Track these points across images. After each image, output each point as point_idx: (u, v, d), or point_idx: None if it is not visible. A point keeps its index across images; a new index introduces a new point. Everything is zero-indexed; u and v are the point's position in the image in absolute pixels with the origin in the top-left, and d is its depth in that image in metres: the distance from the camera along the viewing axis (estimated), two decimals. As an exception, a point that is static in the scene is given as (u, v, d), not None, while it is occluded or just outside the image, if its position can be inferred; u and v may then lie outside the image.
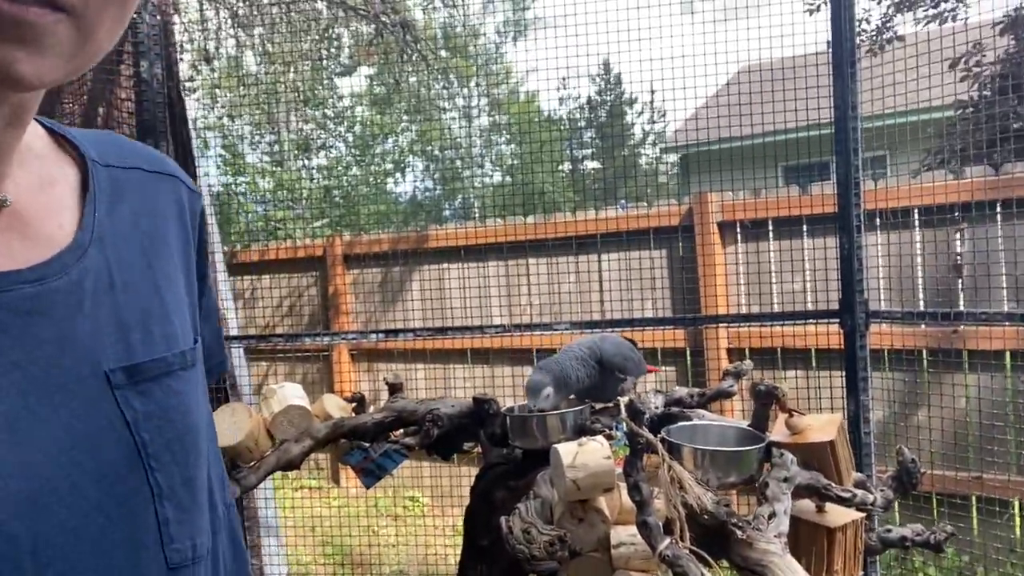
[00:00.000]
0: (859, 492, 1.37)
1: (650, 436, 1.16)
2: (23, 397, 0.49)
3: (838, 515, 1.41)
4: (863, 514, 1.41)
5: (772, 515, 1.33)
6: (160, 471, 0.57)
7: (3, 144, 0.54)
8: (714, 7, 2.97)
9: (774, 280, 3.37)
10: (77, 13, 0.46)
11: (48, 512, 0.49)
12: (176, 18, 4.32)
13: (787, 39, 2.57)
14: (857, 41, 2.56)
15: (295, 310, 4.82)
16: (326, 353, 4.56)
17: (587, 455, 1.24)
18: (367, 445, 1.59)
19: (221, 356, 0.83)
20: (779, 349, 3.28)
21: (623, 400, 1.32)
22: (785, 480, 1.38)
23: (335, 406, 1.59)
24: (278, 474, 4.91)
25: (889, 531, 1.56)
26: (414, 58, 4.88)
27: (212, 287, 0.79)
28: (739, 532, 1.26)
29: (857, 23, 3.85)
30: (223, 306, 2.71)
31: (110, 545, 0.53)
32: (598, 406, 1.64)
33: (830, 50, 2.41)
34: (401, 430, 1.63)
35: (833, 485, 1.38)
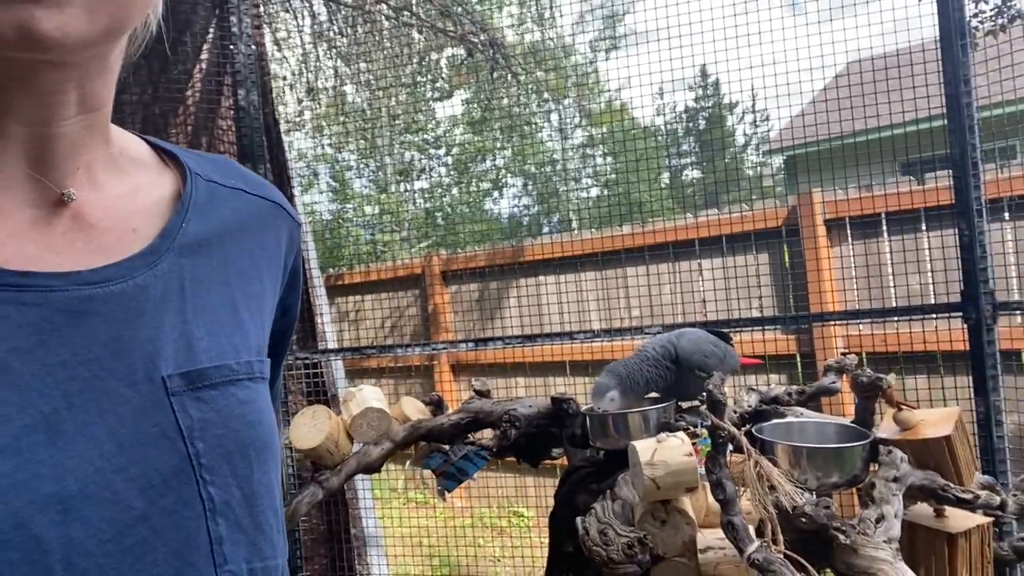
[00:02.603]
0: (983, 493, 1.23)
1: (732, 429, 1.08)
2: (67, 399, 0.48)
3: (960, 520, 1.27)
4: (990, 519, 1.26)
5: (880, 518, 1.21)
6: (215, 484, 0.53)
7: (76, 134, 0.53)
8: (817, 7, 2.83)
9: (889, 277, 3.13)
10: None
11: (82, 519, 0.47)
12: (273, 49, 4.56)
13: (899, 32, 2.43)
14: (974, 22, 2.35)
15: (398, 327, 4.93)
16: (428, 366, 4.63)
17: (666, 452, 1.17)
18: (446, 448, 1.57)
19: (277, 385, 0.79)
20: (900, 352, 3.03)
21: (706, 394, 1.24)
22: (895, 480, 1.25)
23: (413, 409, 1.59)
24: (384, 487, 5.00)
25: (1024, 540, 1.39)
26: (507, 77, 4.93)
27: (295, 319, 0.76)
28: (842, 537, 1.15)
29: (973, 3, 3.57)
30: (319, 321, 2.79)
31: (153, 560, 0.49)
32: (685, 405, 1.56)
33: (937, 24, 2.23)
34: (485, 432, 1.61)
35: (951, 486, 1.24)
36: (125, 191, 0.57)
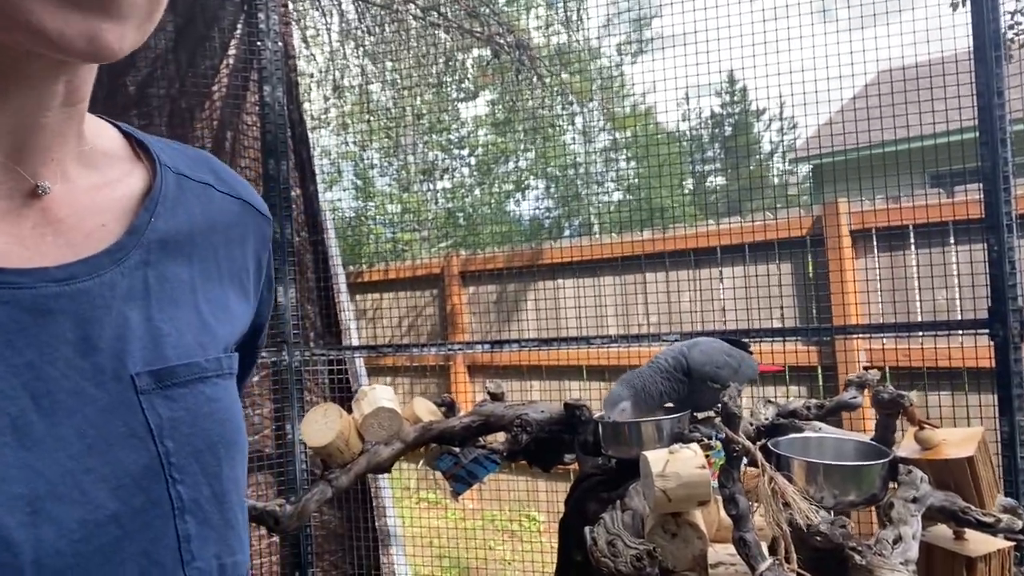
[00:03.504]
0: (1005, 517, 1.19)
1: (747, 443, 1.06)
2: (34, 400, 0.48)
3: (980, 543, 1.23)
4: (1011, 544, 1.22)
5: (898, 539, 1.18)
6: (184, 483, 0.53)
7: (56, 126, 0.53)
8: (849, 15, 2.79)
9: (915, 291, 3.07)
10: None
11: (52, 520, 0.47)
12: (301, 46, 4.58)
13: (932, 41, 2.38)
14: (1009, 34, 2.30)
15: (416, 326, 4.94)
16: (444, 366, 4.63)
17: (679, 464, 1.15)
18: (457, 451, 1.56)
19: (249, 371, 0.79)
20: (923, 368, 2.97)
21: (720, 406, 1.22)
22: (914, 501, 1.22)
23: (425, 410, 1.58)
24: (398, 486, 5.00)
25: (1047, 567, 1.35)
26: (533, 79, 4.92)
27: (266, 318, 0.76)
28: (858, 557, 1.12)
29: (1009, 15, 3.50)
30: (342, 318, 2.81)
31: (121, 559, 0.50)
32: (700, 416, 1.53)
33: (971, 34, 2.19)
34: (498, 435, 1.59)
35: (972, 508, 1.20)
36: (95, 185, 0.57)
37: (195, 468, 0.54)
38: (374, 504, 2.87)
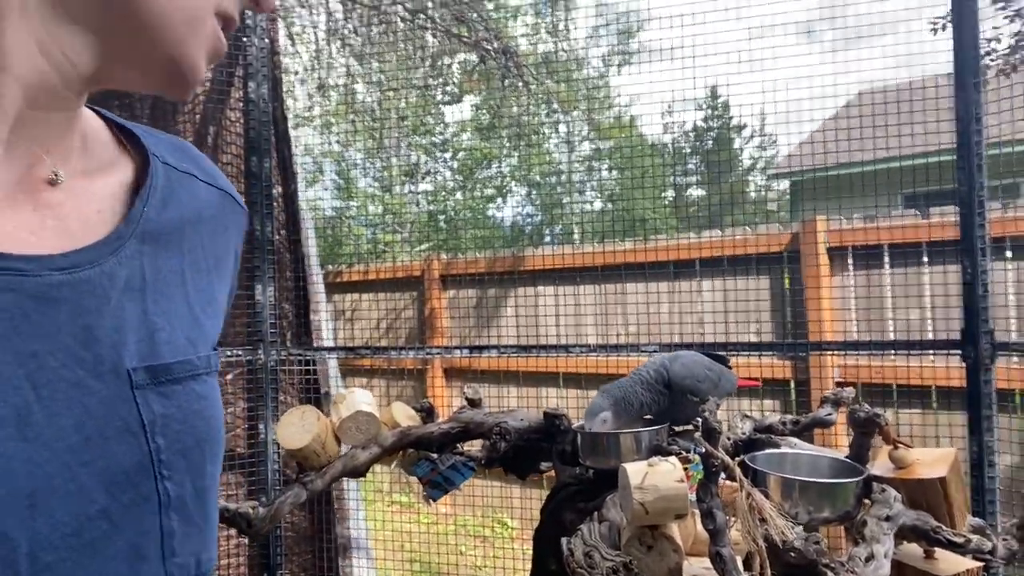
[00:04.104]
0: (974, 538, 1.21)
1: (726, 458, 1.07)
2: (36, 390, 0.47)
3: (950, 563, 1.25)
4: (979, 564, 1.24)
5: (870, 557, 1.19)
6: (171, 479, 0.54)
7: (70, 120, 0.54)
8: (833, 36, 2.83)
9: (889, 310, 3.12)
10: None
11: (48, 514, 0.46)
12: (287, 43, 4.55)
13: (912, 65, 2.43)
14: (986, 60, 2.35)
15: (393, 329, 4.91)
16: (421, 369, 4.61)
17: (657, 476, 1.15)
18: (435, 457, 1.55)
19: None
20: (894, 385, 3.02)
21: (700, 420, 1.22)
22: (887, 519, 1.24)
23: (403, 415, 1.57)
24: (369, 488, 4.96)
25: (1013, 587, 1.37)
26: (518, 85, 4.93)
27: (229, 307, 0.78)
28: (831, 574, 1.13)
29: (986, 41, 3.57)
30: (315, 319, 2.78)
31: (110, 554, 0.50)
32: (678, 428, 1.54)
33: (952, 59, 2.23)
34: (474, 442, 1.59)
35: (943, 528, 1.22)
36: (87, 171, 0.56)
37: (182, 465, 0.55)
38: (336, 508, 2.85)
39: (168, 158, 0.62)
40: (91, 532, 0.49)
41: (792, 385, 3.58)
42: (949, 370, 2.39)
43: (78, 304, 0.50)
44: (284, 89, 2.80)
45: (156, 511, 0.53)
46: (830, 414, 1.59)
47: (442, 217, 8.23)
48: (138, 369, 0.53)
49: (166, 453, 0.53)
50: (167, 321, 0.56)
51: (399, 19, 4.44)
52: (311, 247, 2.91)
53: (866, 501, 1.29)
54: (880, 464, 1.36)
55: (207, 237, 0.64)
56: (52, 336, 0.49)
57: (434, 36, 4.91)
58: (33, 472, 0.46)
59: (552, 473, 1.74)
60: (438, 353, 2.67)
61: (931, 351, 2.36)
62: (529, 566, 3.67)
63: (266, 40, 2.65)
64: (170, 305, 0.57)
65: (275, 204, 2.72)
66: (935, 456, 1.34)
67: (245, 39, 2.57)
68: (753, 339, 3.36)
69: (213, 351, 0.61)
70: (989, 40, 3.73)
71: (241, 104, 2.69)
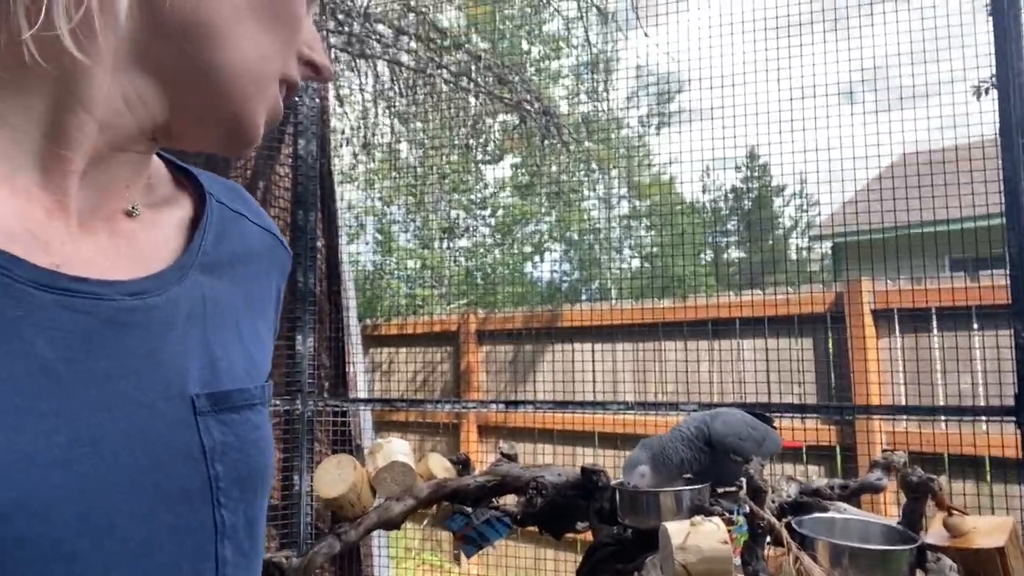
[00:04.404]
0: (1039, 614, 1.14)
1: (773, 519, 1.03)
2: (109, 411, 0.48)
3: (1011, 641, 1.18)
4: (1045, 643, 1.17)
5: (926, 631, 1.13)
6: (227, 507, 0.54)
7: (146, 158, 0.57)
8: (878, 97, 2.84)
9: (938, 374, 3.02)
10: None
11: (120, 535, 0.47)
12: (335, 104, 4.71)
13: (957, 123, 2.41)
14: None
15: (429, 383, 4.91)
16: (456, 423, 4.58)
17: (700, 537, 1.12)
18: (469, 511, 1.53)
19: None
20: (945, 454, 2.90)
21: (745, 480, 1.19)
22: (942, 591, 1.18)
23: (439, 466, 1.55)
24: (399, 545, 4.89)
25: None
26: (557, 145, 5.01)
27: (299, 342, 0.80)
28: (884, 647, 1.08)
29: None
30: (351, 370, 2.80)
31: None
32: (721, 490, 1.49)
33: (997, 120, 2.21)
34: (507, 497, 1.56)
35: (1004, 602, 1.16)
36: (154, 203, 0.59)
37: (237, 494, 0.55)
38: (363, 565, 2.80)
39: (223, 198, 0.65)
40: (158, 556, 0.49)
41: (837, 450, 3.47)
42: (1003, 438, 2.29)
43: (147, 329, 0.52)
44: (332, 147, 2.89)
45: (212, 538, 0.53)
46: (880, 478, 1.53)
47: (479, 273, 8.30)
48: (200, 395, 0.54)
49: (224, 481, 0.54)
50: (224, 351, 0.58)
51: (442, 81, 4.58)
52: (351, 299, 2.95)
53: (920, 571, 1.23)
54: (934, 532, 1.30)
55: (254, 276, 0.66)
56: (123, 359, 0.50)
57: (476, 98, 5.05)
58: (108, 492, 0.47)
59: (586, 536, 1.69)
60: (474, 407, 2.65)
61: (984, 417, 2.28)
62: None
63: (316, 100, 2.75)
64: (226, 335, 0.59)
65: (318, 257, 2.77)
66: (992, 524, 1.28)
67: (297, 98, 2.68)
68: (795, 401, 3.27)
69: (267, 382, 0.62)
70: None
71: (290, 160, 2.78)
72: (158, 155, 0.65)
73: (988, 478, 2.77)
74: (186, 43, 0.53)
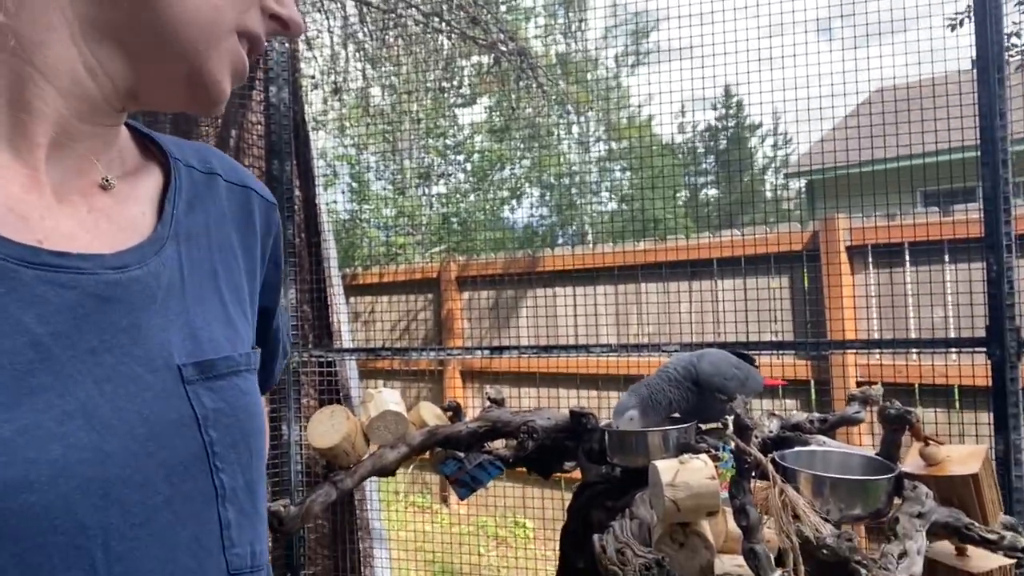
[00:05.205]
0: (1008, 535, 1.20)
1: (759, 455, 1.07)
2: (97, 384, 0.49)
3: (982, 560, 1.24)
4: (1012, 561, 1.23)
5: (903, 554, 1.19)
6: (225, 472, 0.56)
7: (116, 129, 0.57)
8: (854, 32, 2.81)
9: (911, 308, 3.10)
10: None
11: (120, 504, 0.48)
12: (303, 48, 4.58)
13: (930, 58, 2.40)
14: (1007, 56, 2.34)
15: (410, 331, 4.93)
16: (439, 370, 4.62)
17: (689, 474, 1.16)
18: (462, 456, 1.56)
19: (287, 349, 0.84)
20: (917, 385, 2.99)
21: (730, 418, 1.22)
22: (919, 516, 1.23)
23: (431, 414, 1.58)
24: (388, 490, 4.98)
25: (1046, 584, 1.36)
26: (532, 87, 4.94)
27: (281, 294, 0.80)
28: (864, 571, 1.13)
29: (1007, 35, 3.54)
30: (335, 320, 2.79)
31: (175, 544, 0.52)
32: (705, 427, 1.54)
33: (974, 55, 2.22)
34: (496, 442, 1.59)
35: (976, 524, 1.22)
36: (126, 176, 0.59)
37: (232, 458, 0.56)
38: (357, 509, 2.85)
39: (191, 161, 0.65)
40: (158, 522, 0.50)
41: (812, 385, 3.56)
42: (974, 368, 2.37)
43: (129, 302, 0.52)
44: (302, 92, 2.82)
45: (213, 502, 0.55)
46: (858, 412, 1.59)
47: (455, 219, 8.25)
48: (187, 365, 0.54)
49: (219, 446, 0.55)
50: (205, 320, 0.58)
51: (413, 22, 4.46)
52: (331, 249, 2.93)
53: (897, 499, 1.28)
54: (910, 462, 1.35)
55: (234, 235, 0.66)
56: (108, 333, 0.50)
57: (448, 39, 4.93)
58: (104, 462, 0.48)
59: (572, 474, 1.74)
60: (458, 354, 2.67)
61: (955, 349, 2.34)
62: (548, 567, 3.67)
63: (286, 45, 2.67)
64: (207, 304, 0.59)
65: (295, 207, 2.74)
66: (966, 453, 1.33)
67: (267, 43, 2.60)
68: (772, 338, 3.34)
69: (252, 350, 0.63)
70: (1009, 35, 3.70)
71: (263, 108, 2.71)
72: (124, 125, 0.64)
73: (958, 406, 2.86)
74: (134, 3, 0.52)
